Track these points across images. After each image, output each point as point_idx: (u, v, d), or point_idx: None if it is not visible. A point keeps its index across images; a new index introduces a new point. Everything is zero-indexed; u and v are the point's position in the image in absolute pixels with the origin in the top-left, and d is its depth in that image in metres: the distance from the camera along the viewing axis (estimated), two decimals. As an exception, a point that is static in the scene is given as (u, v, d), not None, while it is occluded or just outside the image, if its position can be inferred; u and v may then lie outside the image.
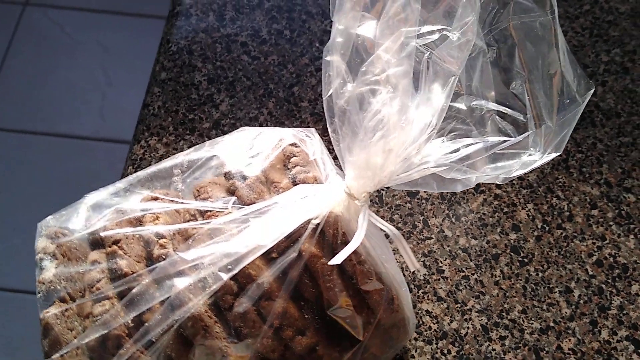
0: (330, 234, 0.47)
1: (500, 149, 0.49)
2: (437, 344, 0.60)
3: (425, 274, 0.63)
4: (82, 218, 0.50)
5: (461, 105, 0.51)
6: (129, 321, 0.43)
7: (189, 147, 0.63)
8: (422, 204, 0.67)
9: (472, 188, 0.67)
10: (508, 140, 0.49)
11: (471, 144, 0.49)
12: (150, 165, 0.59)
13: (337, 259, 0.42)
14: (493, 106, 0.51)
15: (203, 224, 0.47)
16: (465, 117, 0.51)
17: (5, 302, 1.52)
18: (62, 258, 0.48)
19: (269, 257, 0.47)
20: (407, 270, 0.63)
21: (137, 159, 0.69)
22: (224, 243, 0.45)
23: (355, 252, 0.47)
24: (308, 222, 0.47)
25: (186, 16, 0.78)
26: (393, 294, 0.49)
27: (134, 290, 0.43)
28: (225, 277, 0.44)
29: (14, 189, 1.65)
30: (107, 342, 0.43)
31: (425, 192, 0.67)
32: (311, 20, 0.78)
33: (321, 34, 0.76)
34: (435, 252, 0.64)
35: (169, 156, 0.59)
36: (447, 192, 0.67)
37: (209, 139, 0.62)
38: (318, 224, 0.47)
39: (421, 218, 0.66)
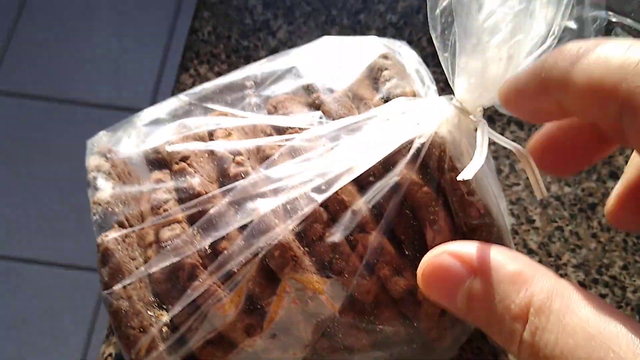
0: (435, 157, 0.40)
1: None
2: (529, 300, 0.53)
3: (513, 224, 0.56)
4: (139, 136, 0.42)
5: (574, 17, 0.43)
6: (206, 248, 0.35)
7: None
8: (507, 145, 0.59)
9: (563, 130, 0.59)
10: None
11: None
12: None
13: (467, 173, 0.34)
14: (614, 18, 0.43)
15: (286, 139, 0.39)
16: (580, 32, 0.44)
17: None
18: (117, 179, 0.40)
19: (362, 182, 0.39)
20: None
21: (186, 89, 0.61)
22: (315, 160, 0.38)
23: (463, 180, 0.40)
24: (408, 142, 0.39)
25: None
26: (505, 240, 0.42)
27: (211, 211, 0.36)
28: (320, 198, 0.36)
29: (17, 156, 1.57)
30: (178, 273, 0.35)
31: (511, 132, 0.59)
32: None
33: (389, -42, 0.68)
34: (524, 199, 0.57)
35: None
36: (536, 134, 0.59)
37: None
38: (423, 143, 0.39)
39: (507, 162, 0.58)
